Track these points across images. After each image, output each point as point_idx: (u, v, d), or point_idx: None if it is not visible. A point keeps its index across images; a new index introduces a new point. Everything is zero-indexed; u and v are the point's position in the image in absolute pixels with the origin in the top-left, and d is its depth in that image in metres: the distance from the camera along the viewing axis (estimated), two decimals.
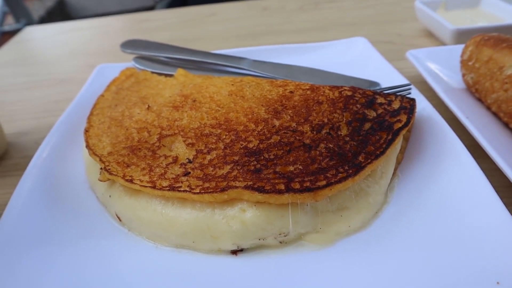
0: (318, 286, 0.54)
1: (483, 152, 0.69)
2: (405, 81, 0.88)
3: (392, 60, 1.03)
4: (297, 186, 0.56)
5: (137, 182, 0.61)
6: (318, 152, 0.62)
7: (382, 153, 0.62)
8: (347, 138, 0.65)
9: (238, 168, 0.60)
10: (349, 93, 0.75)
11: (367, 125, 0.68)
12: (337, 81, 0.93)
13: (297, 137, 0.65)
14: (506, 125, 0.77)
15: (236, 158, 0.63)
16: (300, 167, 0.60)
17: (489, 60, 0.80)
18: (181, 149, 0.67)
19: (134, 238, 0.64)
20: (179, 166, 0.64)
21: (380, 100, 0.73)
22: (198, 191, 0.57)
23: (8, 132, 1.03)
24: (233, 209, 0.58)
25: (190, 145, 0.67)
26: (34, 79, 1.37)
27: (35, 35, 1.83)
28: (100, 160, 0.67)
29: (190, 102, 0.78)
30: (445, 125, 0.73)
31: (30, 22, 4.10)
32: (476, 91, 0.85)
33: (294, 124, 0.68)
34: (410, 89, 0.85)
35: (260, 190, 0.55)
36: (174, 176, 0.61)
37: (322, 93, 0.76)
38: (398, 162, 0.72)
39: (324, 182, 0.56)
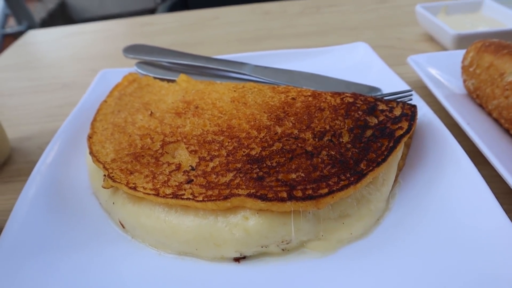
0: None
1: (483, 159, 0.69)
2: (406, 87, 0.88)
3: (393, 65, 1.03)
4: (299, 194, 0.56)
5: (141, 190, 0.61)
6: (320, 160, 0.63)
7: (384, 160, 0.63)
8: (349, 145, 0.66)
9: (241, 175, 0.61)
10: (351, 100, 0.76)
11: (369, 132, 0.68)
12: (339, 87, 0.93)
13: (299, 144, 0.66)
14: (507, 131, 0.78)
15: (239, 165, 0.63)
16: (302, 174, 0.60)
17: (490, 67, 0.80)
18: (184, 156, 0.68)
19: (138, 245, 0.64)
20: (182, 173, 0.64)
21: (381, 106, 0.74)
22: (201, 199, 0.58)
23: (11, 137, 1.04)
24: (236, 216, 0.59)
25: (193, 152, 0.68)
26: (37, 83, 1.38)
27: (37, 39, 1.84)
28: (104, 167, 0.68)
29: (192, 109, 0.79)
30: (446, 131, 0.73)
31: (32, 24, 4.12)
32: (477, 97, 0.85)
33: (296, 131, 0.69)
34: (411, 95, 0.85)
35: (263, 198, 0.56)
36: (177, 184, 0.62)
37: (324, 100, 0.76)
38: (400, 168, 0.72)
39: (326, 190, 0.57)
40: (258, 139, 0.68)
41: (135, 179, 0.64)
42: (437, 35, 1.27)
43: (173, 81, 0.98)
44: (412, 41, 1.37)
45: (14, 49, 1.73)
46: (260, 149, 0.66)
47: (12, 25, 4.23)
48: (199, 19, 1.83)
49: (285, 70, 1.02)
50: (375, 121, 0.71)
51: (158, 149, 0.70)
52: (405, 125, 0.69)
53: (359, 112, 0.72)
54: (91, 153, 0.72)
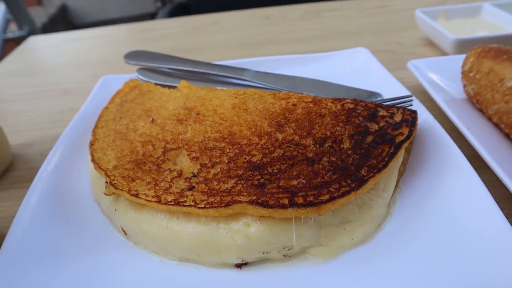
0: None
1: (484, 163, 0.69)
2: (407, 92, 0.89)
3: (393, 69, 1.04)
4: (301, 200, 0.57)
5: (143, 197, 0.62)
6: (321, 166, 0.63)
7: (385, 166, 0.63)
8: (350, 152, 0.66)
9: (242, 182, 0.61)
10: (351, 106, 0.76)
11: (369, 138, 0.69)
12: (339, 92, 0.94)
13: (300, 151, 0.66)
14: (507, 136, 0.78)
15: (240, 172, 0.63)
16: (304, 181, 0.60)
17: (489, 72, 0.81)
18: (185, 163, 0.68)
19: (139, 251, 0.64)
20: (183, 180, 0.65)
21: (382, 112, 0.74)
22: (203, 206, 0.58)
23: (13, 143, 1.04)
24: (237, 223, 0.59)
25: (195, 159, 0.68)
26: (39, 89, 1.39)
27: (38, 45, 1.85)
28: (106, 174, 0.68)
29: (193, 115, 0.79)
30: (446, 136, 0.73)
31: (33, 28, 4.13)
32: (477, 102, 0.86)
33: (297, 138, 0.69)
34: (411, 100, 0.86)
35: (264, 205, 0.56)
36: (179, 191, 0.62)
37: (324, 106, 0.77)
38: (400, 174, 0.72)
39: (327, 197, 0.57)
40: (259, 145, 0.68)
41: (137, 186, 0.64)
42: (437, 40, 1.27)
43: (174, 87, 0.98)
44: (412, 46, 1.37)
45: (16, 55, 1.73)
46: (261, 155, 0.66)
47: (13, 30, 4.25)
48: (200, 24, 1.84)
49: (286, 75, 1.02)
50: (376, 127, 0.71)
51: (160, 156, 0.70)
52: (405, 131, 0.69)
53: (360, 118, 0.73)
54: (93, 160, 0.73)
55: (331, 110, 0.76)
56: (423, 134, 0.78)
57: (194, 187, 0.63)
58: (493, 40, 1.08)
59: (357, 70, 1.06)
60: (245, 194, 0.59)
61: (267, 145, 0.68)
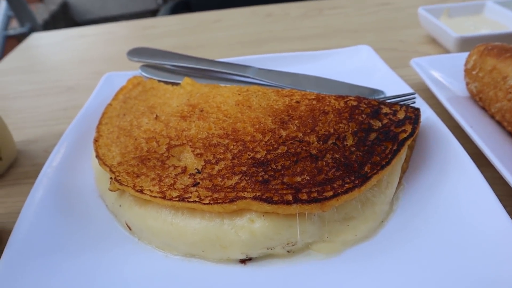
0: None
1: (486, 161, 0.70)
2: (410, 90, 0.89)
3: (395, 67, 1.04)
4: (305, 196, 0.57)
5: (147, 193, 0.62)
6: (324, 163, 0.63)
7: (388, 163, 0.63)
8: (353, 149, 0.66)
9: (246, 178, 0.62)
10: (355, 103, 0.76)
11: (373, 135, 0.69)
12: (342, 90, 0.94)
13: (304, 148, 0.66)
14: (509, 134, 0.78)
15: (244, 168, 0.64)
16: (307, 177, 0.61)
17: (492, 70, 0.81)
18: (189, 159, 0.69)
19: (144, 247, 0.65)
20: (188, 176, 0.65)
21: (385, 110, 0.74)
22: (207, 201, 0.58)
23: (16, 140, 1.04)
24: (242, 219, 0.59)
25: (199, 156, 0.68)
26: (41, 86, 1.39)
27: (40, 42, 1.85)
28: (110, 170, 0.69)
29: (197, 112, 0.80)
30: (449, 134, 0.73)
31: (34, 25, 4.13)
32: (480, 99, 0.86)
33: (300, 135, 0.69)
34: (414, 97, 0.86)
35: (269, 201, 0.57)
36: (183, 187, 0.63)
37: (328, 103, 0.77)
38: (403, 171, 0.73)
39: (331, 193, 0.58)
40: (263, 142, 0.69)
41: (141, 182, 0.65)
42: (439, 38, 1.27)
43: (177, 84, 0.99)
44: (415, 44, 1.37)
45: (18, 52, 1.74)
46: (265, 152, 0.66)
47: (14, 27, 4.25)
48: (202, 22, 1.84)
49: (289, 73, 1.02)
50: (379, 124, 0.71)
51: (164, 152, 0.71)
52: (408, 128, 0.70)
53: (363, 116, 0.73)
54: (97, 156, 0.73)
55: (335, 107, 0.76)
56: (426, 131, 0.78)
57: (198, 183, 0.63)
58: (496, 38, 1.09)
59: (360, 67, 1.06)
60: (250, 190, 0.59)
61: (271, 142, 0.68)
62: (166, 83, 0.99)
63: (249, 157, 0.66)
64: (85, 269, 0.60)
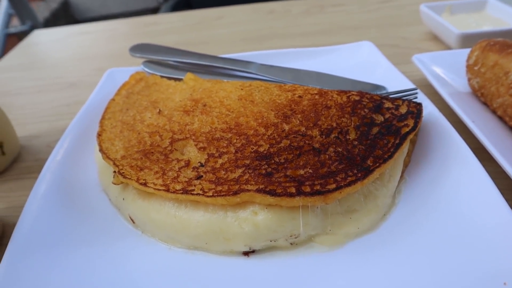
0: (328, 286, 0.55)
1: (488, 155, 0.70)
2: (412, 85, 0.89)
3: (397, 63, 1.04)
4: (308, 189, 0.57)
5: (151, 186, 0.62)
6: (327, 156, 0.64)
7: (390, 157, 0.64)
8: (356, 142, 0.67)
9: (250, 171, 0.62)
10: (357, 98, 0.77)
11: (375, 130, 0.69)
12: (344, 85, 0.94)
13: (307, 141, 0.67)
14: (511, 129, 0.78)
15: (247, 162, 0.64)
16: (310, 170, 0.61)
17: (494, 65, 0.81)
18: (193, 153, 0.69)
19: (148, 239, 0.65)
20: (191, 169, 0.65)
21: (387, 104, 0.75)
22: (211, 194, 0.59)
23: (20, 135, 1.04)
24: (245, 211, 0.60)
25: (202, 149, 0.69)
26: (44, 82, 1.39)
27: (42, 39, 1.85)
28: (114, 163, 0.69)
29: (200, 107, 0.80)
30: (451, 129, 0.74)
31: (35, 23, 4.13)
32: (481, 95, 0.86)
33: (303, 129, 0.70)
34: (416, 93, 0.86)
35: (272, 193, 0.57)
36: (187, 180, 0.63)
37: (330, 98, 0.77)
38: (405, 165, 0.73)
39: (334, 186, 0.58)
40: (266, 136, 0.69)
41: (145, 175, 0.65)
42: (441, 35, 1.27)
43: (180, 79, 0.99)
44: (417, 40, 1.37)
45: (20, 50, 1.74)
46: (268, 146, 0.67)
47: (16, 25, 4.25)
48: (203, 19, 1.84)
49: (291, 68, 1.03)
50: (381, 118, 0.72)
51: (167, 146, 0.71)
52: (411, 122, 0.70)
53: (365, 110, 0.73)
54: (101, 150, 0.73)
55: (337, 102, 0.76)
56: (428, 126, 0.78)
57: (202, 176, 0.63)
58: (498, 35, 1.08)
59: (362, 63, 1.06)
60: (253, 183, 0.59)
61: (274, 136, 0.69)
62: (169, 78, 1.00)
63: (252, 150, 0.66)
64: (89, 262, 0.61)
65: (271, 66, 1.04)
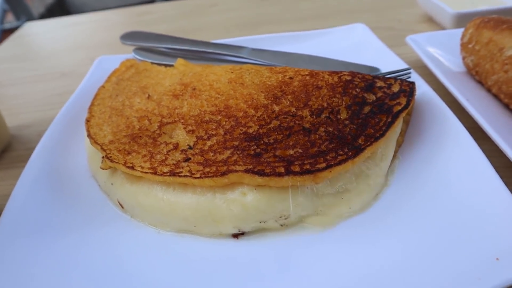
0: (319, 268, 0.54)
1: (483, 134, 0.69)
2: (405, 66, 0.87)
3: (392, 46, 1.03)
4: (297, 168, 0.56)
5: (138, 169, 0.61)
6: (317, 136, 0.63)
7: (382, 135, 0.62)
8: (347, 122, 0.65)
9: (238, 152, 0.61)
10: (349, 78, 0.75)
11: (367, 109, 0.68)
12: (337, 68, 0.93)
13: (297, 122, 0.65)
14: (506, 106, 0.77)
15: (236, 143, 0.63)
16: (300, 150, 0.60)
17: (489, 42, 0.80)
18: (181, 136, 0.68)
19: (137, 224, 0.64)
20: (179, 152, 0.64)
21: (379, 83, 0.73)
22: (198, 175, 0.58)
23: (11, 125, 1.04)
24: (233, 193, 0.59)
25: (191, 132, 0.68)
26: (36, 73, 1.38)
27: (35, 30, 1.84)
28: (102, 148, 0.68)
29: (190, 90, 0.79)
30: (445, 108, 0.72)
31: (31, 19, 4.10)
32: (476, 73, 0.84)
33: (293, 109, 0.68)
34: (410, 73, 0.85)
35: (260, 173, 0.56)
36: (174, 162, 0.62)
37: (321, 78, 0.76)
38: (399, 145, 0.72)
39: (324, 165, 0.57)
40: (256, 117, 0.68)
41: (132, 159, 0.64)
42: (436, 15, 1.25)
43: (171, 66, 0.98)
44: (412, 23, 1.36)
45: (12, 41, 1.72)
46: (258, 127, 0.66)
47: (10, 21, 4.22)
48: (197, 7, 1.82)
49: (283, 52, 1.01)
50: (373, 97, 0.70)
51: (156, 130, 0.70)
52: (403, 101, 0.69)
53: (357, 89, 0.72)
54: (89, 135, 0.72)
55: (328, 82, 0.75)
56: (422, 106, 0.77)
57: (190, 158, 0.62)
58: (493, 14, 1.07)
59: (355, 46, 1.05)
60: (241, 163, 0.58)
61: (264, 117, 0.67)
62: (160, 65, 0.98)
63: (241, 132, 0.65)
64: (77, 247, 0.60)
65: (263, 50, 1.02)
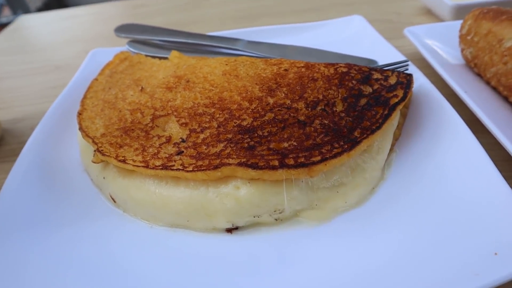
0: (315, 263, 0.53)
1: (482, 127, 0.68)
2: (403, 58, 0.86)
3: (390, 38, 1.01)
4: (291, 162, 0.55)
5: (130, 162, 0.60)
6: (313, 129, 0.61)
7: (378, 128, 0.61)
8: (343, 114, 0.64)
9: (232, 145, 0.60)
10: (345, 70, 0.74)
11: (363, 101, 0.67)
12: (334, 60, 0.91)
13: (292, 114, 0.64)
14: (505, 99, 0.76)
15: (230, 136, 0.62)
16: (295, 143, 0.59)
17: (488, 33, 0.78)
18: (174, 129, 0.67)
19: (129, 218, 0.63)
20: (172, 145, 0.63)
21: (376, 75, 0.72)
22: (191, 169, 0.57)
23: (4, 118, 1.03)
24: (227, 186, 0.57)
25: (184, 125, 0.66)
26: (30, 66, 1.36)
27: (30, 23, 1.82)
28: (93, 141, 0.67)
29: (183, 83, 0.77)
30: (443, 100, 0.71)
31: (28, 13, 4.07)
32: (475, 65, 0.83)
33: (288, 101, 0.67)
34: (407, 65, 0.83)
35: (254, 166, 0.55)
36: (167, 156, 0.61)
37: (317, 70, 0.75)
38: (396, 138, 0.70)
39: (319, 158, 0.56)
40: (250, 110, 0.66)
41: (124, 152, 0.63)
42: (435, 8, 1.24)
43: (165, 58, 0.96)
44: (410, 15, 1.34)
45: (7, 34, 1.70)
46: (252, 119, 0.64)
47: (7, 15, 4.18)
48: None
49: (279, 44, 1.00)
50: (370, 90, 0.69)
51: (148, 123, 0.69)
52: (400, 93, 0.67)
53: (353, 82, 0.71)
54: (80, 128, 0.71)
55: (324, 74, 0.73)
56: (420, 99, 0.76)
57: (182, 151, 0.61)
58: (492, 5, 1.05)
59: (352, 38, 1.03)
60: (235, 156, 0.57)
61: (258, 109, 0.66)
62: (154, 57, 0.97)
63: (235, 124, 0.64)
64: (68, 242, 0.59)
65: (259, 43, 1.01)
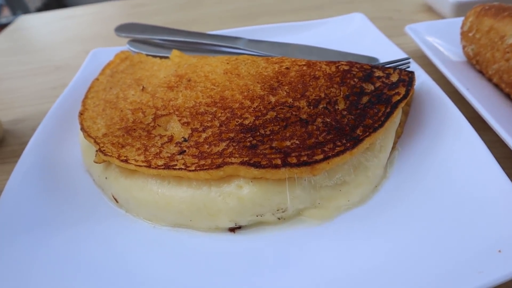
0: (318, 262, 0.53)
1: (484, 124, 0.67)
2: (404, 55, 0.86)
3: (391, 36, 1.01)
4: (294, 160, 0.55)
5: (132, 162, 0.60)
6: (315, 127, 0.61)
7: (381, 125, 0.61)
8: (345, 112, 0.64)
9: (234, 144, 0.59)
10: (346, 68, 0.74)
11: (365, 99, 0.66)
12: (335, 58, 0.91)
13: (294, 113, 0.64)
14: (507, 96, 0.76)
15: (232, 135, 0.62)
16: (297, 142, 0.59)
17: (490, 30, 0.78)
18: (176, 129, 0.66)
19: (132, 219, 0.63)
20: (174, 145, 0.63)
21: (378, 73, 0.72)
22: (193, 168, 0.56)
23: (5, 119, 1.02)
24: (229, 186, 0.57)
25: (186, 124, 0.66)
26: (30, 67, 1.36)
27: (29, 24, 1.81)
28: (95, 141, 0.66)
29: (185, 82, 0.77)
30: (445, 98, 0.71)
31: (27, 14, 4.07)
32: (476, 62, 0.83)
33: (290, 100, 0.67)
34: (409, 62, 0.83)
35: (256, 165, 0.54)
36: (169, 155, 0.61)
37: (318, 68, 0.74)
38: (398, 136, 0.70)
39: (321, 156, 0.55)
40: (252, 108, 0.66)
41: (126, 152, 0.63)
42: (436, 4, 1.24)
43: (166, 57, 0.96)
44: (411, 12, 1.34)
45: (6, 34, 1.70)
46: (254, 118, 0.64)
47: (7, 15, 4.18)
48: None
49: (280, 43, 0.99)
50: (372, 87, 0.69)
51: (150, 122, 0.69)
52: (402, 90, 0.67)
53: (355, 79, 0.70)
54: (82, 128, 0.71)
55: (326, 72, 0.73)
56: (422, 96, 0.75)
57: (185, 151, 0.61)
58: (494, 1, 1.05)
59: (353, 35, 1.03)
60: (237, 155, 0.57)
61: (260, 108, 0.66)
62: (155, 57, 0.97)
63: (237, 123, 0.64)
64: (72, 243, 0.59)
65: (260, 41, 1.00)
